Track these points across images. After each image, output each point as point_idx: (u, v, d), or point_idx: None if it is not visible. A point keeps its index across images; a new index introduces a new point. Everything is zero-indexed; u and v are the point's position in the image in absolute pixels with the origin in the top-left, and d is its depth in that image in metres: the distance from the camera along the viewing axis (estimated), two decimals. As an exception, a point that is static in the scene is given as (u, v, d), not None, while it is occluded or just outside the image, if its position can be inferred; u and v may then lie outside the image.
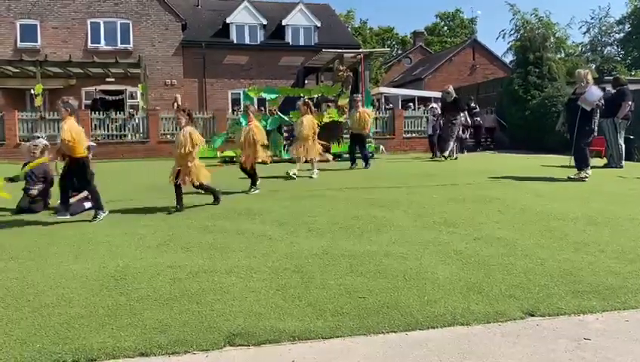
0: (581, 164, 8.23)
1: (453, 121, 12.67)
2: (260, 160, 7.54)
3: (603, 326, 2.76)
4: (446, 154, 12.67)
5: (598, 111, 8.22)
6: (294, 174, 8.75)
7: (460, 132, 15.95)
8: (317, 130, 9.10)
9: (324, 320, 2.81)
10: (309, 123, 8.91)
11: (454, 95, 12.85)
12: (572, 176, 8.20)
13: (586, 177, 8.04)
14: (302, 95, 15.64)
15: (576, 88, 8.36)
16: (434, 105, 17.18)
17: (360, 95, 13.37)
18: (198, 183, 6.17)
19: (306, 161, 9.13)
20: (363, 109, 10.86)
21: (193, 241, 4.52)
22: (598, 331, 2.69)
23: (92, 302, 3.07)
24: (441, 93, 17.19)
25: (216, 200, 6.33)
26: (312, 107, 9.63)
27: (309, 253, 4.08)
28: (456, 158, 12.80)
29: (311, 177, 8.71)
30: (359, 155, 10.89)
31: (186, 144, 5.90)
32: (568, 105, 8.61)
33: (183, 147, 5.90)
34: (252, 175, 7.55)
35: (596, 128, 8.32)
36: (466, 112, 19.90)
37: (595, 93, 8.06)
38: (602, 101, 8.15)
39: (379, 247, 4.23)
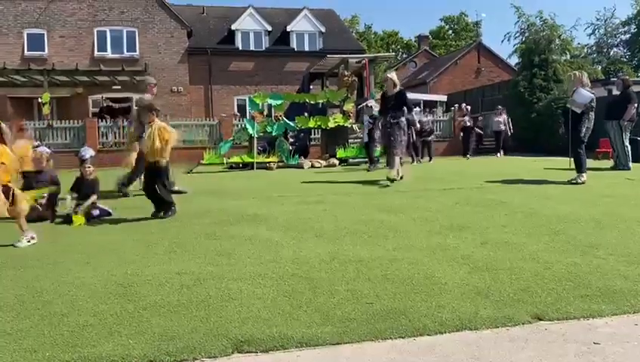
0: (577, 168, 8.19)
1: (393, 122, 8.46)
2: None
3: (612, 330, 2.74)
4: (393, 174, 8.43)
5: (592, 113, 8.11)
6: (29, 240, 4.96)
7: (413, 136, 13.31)
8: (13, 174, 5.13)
9: (332, 326, 2.81)
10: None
11: (399, 86, 8.89)
12: (574, 180, 8.17)
13: (579, 182, 7.94)
14: (307, 100, 15.70)
15: (573, 91, 8.32)
16: (370, 102, 13.63)
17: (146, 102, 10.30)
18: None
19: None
20: (160, 124, 6.35)
21: (200, 248, 4.54)
22: (608, 335, 2.67)
23: (101, 310, 3.09)
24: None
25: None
26: None
27: (316, 258, 4.08)
28: (400, 178, 8.55)
29: (14, 245, 4.86)
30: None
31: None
32: (564, 108, 8.60)
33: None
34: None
35: (587, 131, 8.14)
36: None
37: (584, 95, 8.00)
38: (593, 103, 8.03)
39: (386, 252, 4.23)
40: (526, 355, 2.48)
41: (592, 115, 8.08)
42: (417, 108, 17.86)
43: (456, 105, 20.24)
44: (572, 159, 8.43)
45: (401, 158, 8.59)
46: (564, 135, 8.62)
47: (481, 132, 19.90)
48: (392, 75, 9.00)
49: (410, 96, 30.24)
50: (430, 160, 15.38)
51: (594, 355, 2.46)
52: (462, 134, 18.48)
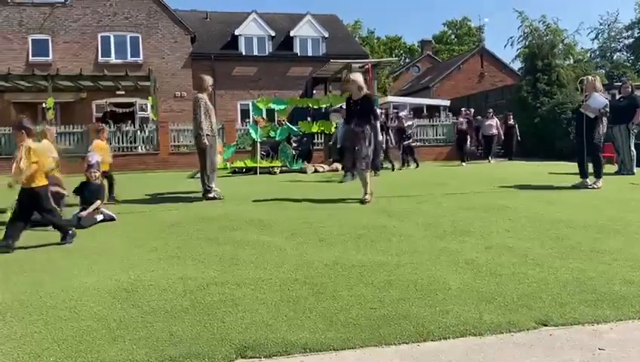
0: (595, 173, 8.18)
1: (357, 131, 7.16)
2: None
3: (618, 336, 2.72)
4: (367, 197, 7.12)
5: (605, 119, 8.13)
6: None
7: (392, 142, 13.01)
8: None
9: (336, 332, 2.80)
10: None
11: (365, 90, 7.33)
12: (576, 184, 8.16)
13: (595, 188, 7.96)
14: (310, 105, 15.73)
15: (586, 96, 8.32)
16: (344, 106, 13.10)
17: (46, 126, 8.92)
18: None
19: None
20: (29, 145, 5.23)
21: (204, 253, 4.54)
22: (613, 341, 2.66)
23: (104, 315, 3.09)
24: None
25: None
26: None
27: (319, 263, 4.08)
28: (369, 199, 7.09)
29: None
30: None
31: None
32: (576, 113, 8.60)
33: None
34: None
35: (602, 136, 8.19)
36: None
37: (598, 100, 8.00)
38: (607, 108, 8.05)
39: (389, 257, 4.22)
40: (531, 361, 2.46)
41: (605, 120, 8.11)
42: (404, 113, 17.36)
43: (463, 109, 20.05)
44: (588, 163, 8.34)
45: (368, 172, 7.29)
46: (575, 139, 8.62)
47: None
48: (356, 76, 7.49)
49: (413, 100, 30.35)
50: (416, 166, 14.71)
51: (600, 361, 2.45)
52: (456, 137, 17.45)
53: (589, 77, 8.62)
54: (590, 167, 8.22)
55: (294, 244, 4.75)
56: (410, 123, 15.60)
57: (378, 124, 7.32)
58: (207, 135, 7.81)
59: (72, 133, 17.87)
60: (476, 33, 55.59)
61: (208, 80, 8.14)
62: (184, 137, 18.59)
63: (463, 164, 15.90)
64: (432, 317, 2.95)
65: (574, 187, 8.10)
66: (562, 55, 22.57)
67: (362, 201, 7.04)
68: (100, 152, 7.80)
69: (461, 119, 17.44)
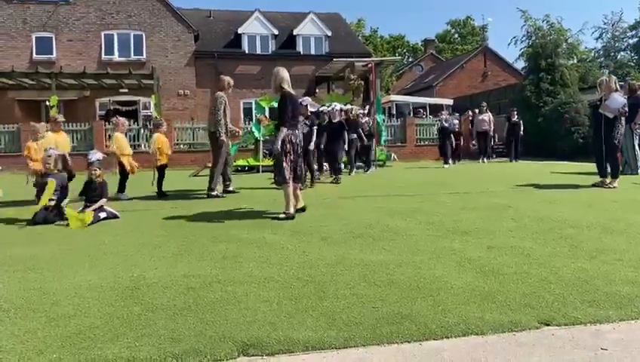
0: (613, 173, 8.18)
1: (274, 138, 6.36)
2: None
3: (620, 336, 2.72)
4: (290, 211, 6.01)
5: (622, 118, 8.14)
6: None
7: (364, 142, 12.33)
8: None
9: (338, 330, 2.80)
10: None
11: (285, 87, 6.14)
12: (596, 183, 8.14)
13: (611, 187, 7.97)
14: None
15: (602, 96, 8.29)
16: (306, 100, 10.59)
17: None
18: None
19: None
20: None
21: (207, 251, 4.55)
22: (615, 341, 2.65)
23: (107, 312, 3.10)
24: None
25: None
26: None
27: (322, 262, 4.08)
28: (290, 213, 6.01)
29: None
30: None
31: None
32: (593, 113, 8.59)
33: None
34: None
35: (620, 136, 8.18)
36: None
37: (618, 101, 7.99)
38: (626, 108, 8.04)
39: (392, 256, 4.22)
40: (533, 361, 2.46)
41: (623, 119, 8.11)
42: (362, 111, 16.84)
43: (476, 109, 19.82)
44: (607, 163, 8.31)
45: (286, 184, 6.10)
46: (593, 139, 8.62)
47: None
48: (277, 71, 6.27)
49: (416, 100, 30.27)
50: (367, 169, 13.36)
51: (602, 361, 2.45)
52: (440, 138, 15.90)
53: (605, 78, 8.57)
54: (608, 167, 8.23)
55: (297, 243, 4.76)
56: (366, 119, 14.08)
57: (284, 129, 6.01)
58: (224, 133, 7.91)
59: (76, 130, 17.93)
60: (479, 32, 55.48)
61: (229, 80, 8.29)
62: (188, 135, 18.61)
63: (445, 166, 14.52)
64: (434, 316, 2.96)
65: (594, 186, 8.09)
66: (566, 54, 22.48)
67: (286, 217, 5.95)
68: (161, 145, 8.66)
69: (444, 116, 16.18)
